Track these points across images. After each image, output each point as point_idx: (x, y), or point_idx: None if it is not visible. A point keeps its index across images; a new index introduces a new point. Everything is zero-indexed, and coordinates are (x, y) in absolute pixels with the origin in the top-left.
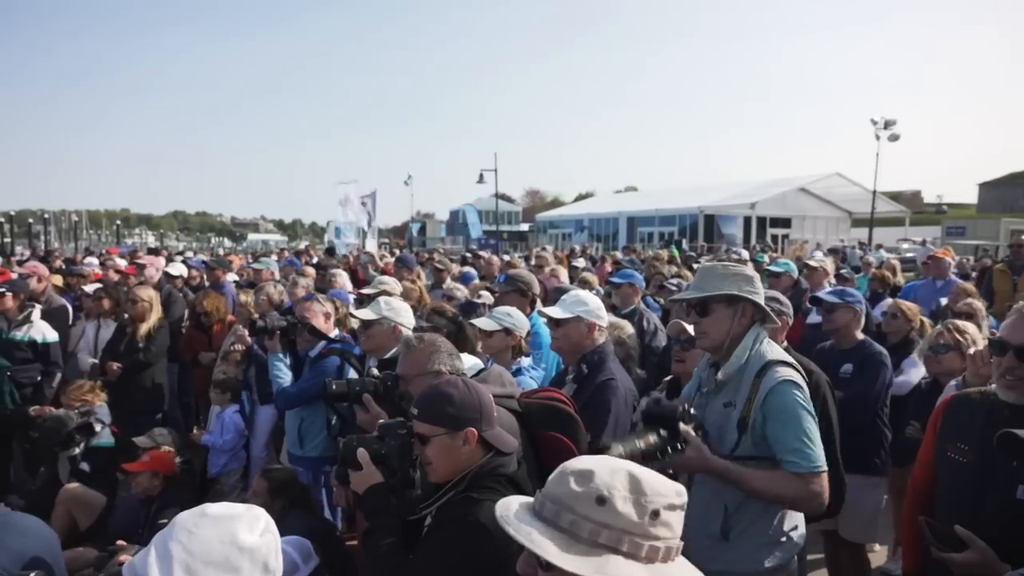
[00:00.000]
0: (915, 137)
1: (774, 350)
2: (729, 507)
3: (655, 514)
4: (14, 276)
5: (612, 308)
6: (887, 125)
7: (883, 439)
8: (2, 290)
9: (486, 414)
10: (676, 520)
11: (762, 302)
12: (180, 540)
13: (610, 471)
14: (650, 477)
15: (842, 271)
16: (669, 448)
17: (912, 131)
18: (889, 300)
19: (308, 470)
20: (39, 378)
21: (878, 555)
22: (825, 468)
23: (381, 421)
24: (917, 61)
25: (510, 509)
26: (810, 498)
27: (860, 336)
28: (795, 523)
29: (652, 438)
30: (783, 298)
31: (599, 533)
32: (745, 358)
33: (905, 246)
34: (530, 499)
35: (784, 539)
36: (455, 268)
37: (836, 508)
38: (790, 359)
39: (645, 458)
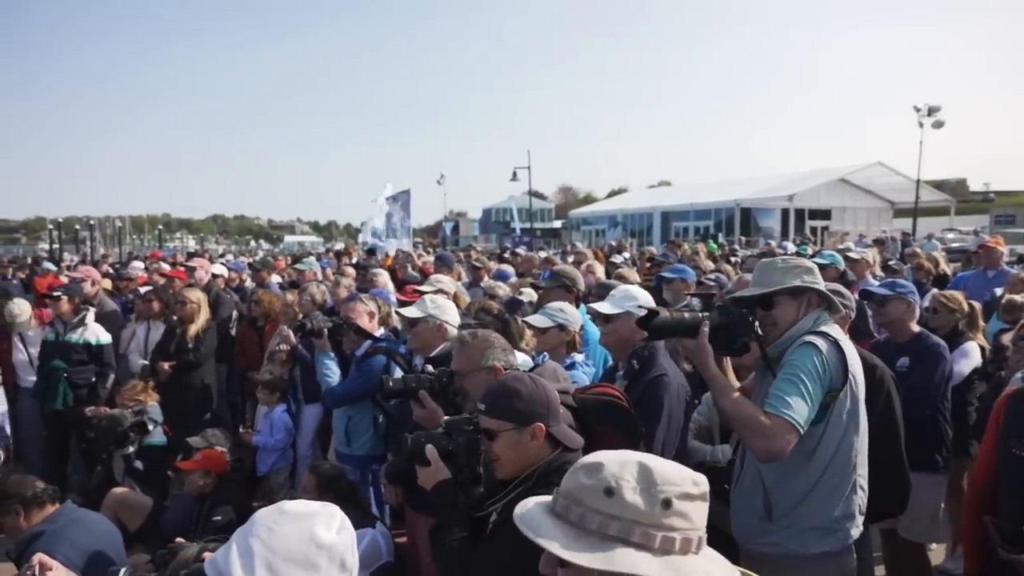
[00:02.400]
0: (959, 123)
1: (830, 328)
2: (767, 484)
3: (667, 503)
4: (64, 281)
5: (663, 304)
6: (931, 112)
7: (944, 435)
8: (58, 294)
9: (553, 410)
10: (694, 510)
11: (825, 290)
12: (261, 537)
13: (620, 463)
14: (662, 466)
15: (890, 262)
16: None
17: (956, 117)
18: (932, 292)
19: (356, 468)
20: (94, 379)
21: (935, 553)
22: (795, 423)
23: (446, 418)
24: (960, 45)
25: (525, 506)
26: (762, 437)
27: (916, 328)
28: (849, 511)
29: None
30: (845, 291)
31: (608, 525)
32: (799, 336)
33: (951, 236)
34: (548, 498)
35: (836, 527)
36: (492, 266)
37: (900, 507)
38: (834, 333)
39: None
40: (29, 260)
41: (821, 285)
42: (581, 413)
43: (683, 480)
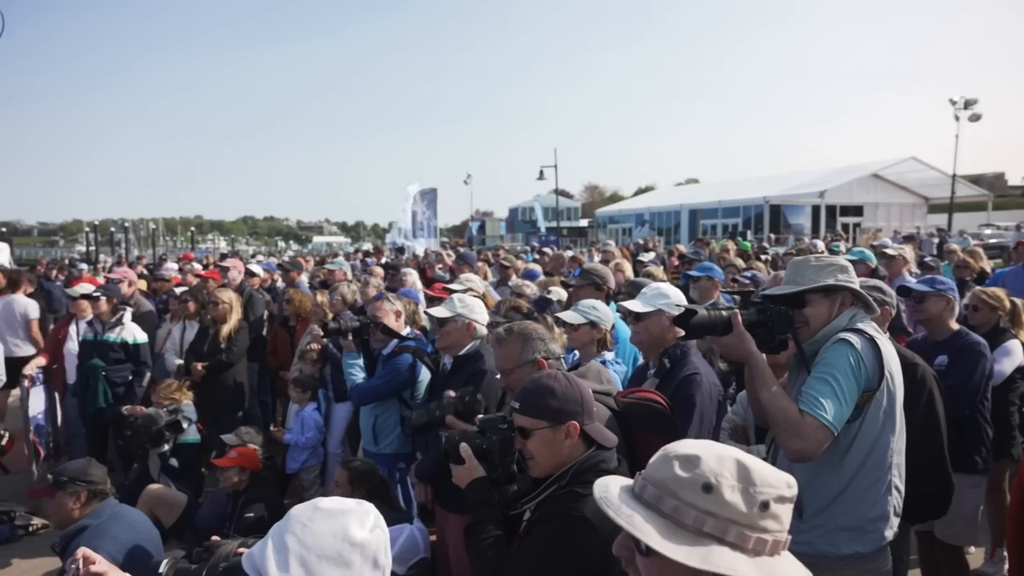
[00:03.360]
0: (998, 115)
1: (867, 325)
2: (798, 482)
3: (764, 505)
4: (100, 282)
5: (690, 303)
6: (967, 105)
7: (983, 435)
8: (98, 294)
9: (587, 408)
10: (785, 513)
11: (860, 290)
12: (295, 533)
13: (717, 458)
14: (760, 466)
15: (926, 259)
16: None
17: (995, 109)
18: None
19: (383, 467)
20: (131, 378)
21: (973, 557)
22: (828, 425)
23: (481, 416)
24: (999, 35)
25: (610, 490)
26: (795, 437)
27: (955, 326)
28: (883, 512)
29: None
30: (886, 287)
31: (704, 521)
32: (835, 334)
33: (988, 232)
34: (629, 481)
35: (869, 528)
36: (520, 265)
37: (942, 509)
38: (871, 330)
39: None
40: (67, 262)
41: (855, 284)
42: (623, 417)
43: (779, 483)
